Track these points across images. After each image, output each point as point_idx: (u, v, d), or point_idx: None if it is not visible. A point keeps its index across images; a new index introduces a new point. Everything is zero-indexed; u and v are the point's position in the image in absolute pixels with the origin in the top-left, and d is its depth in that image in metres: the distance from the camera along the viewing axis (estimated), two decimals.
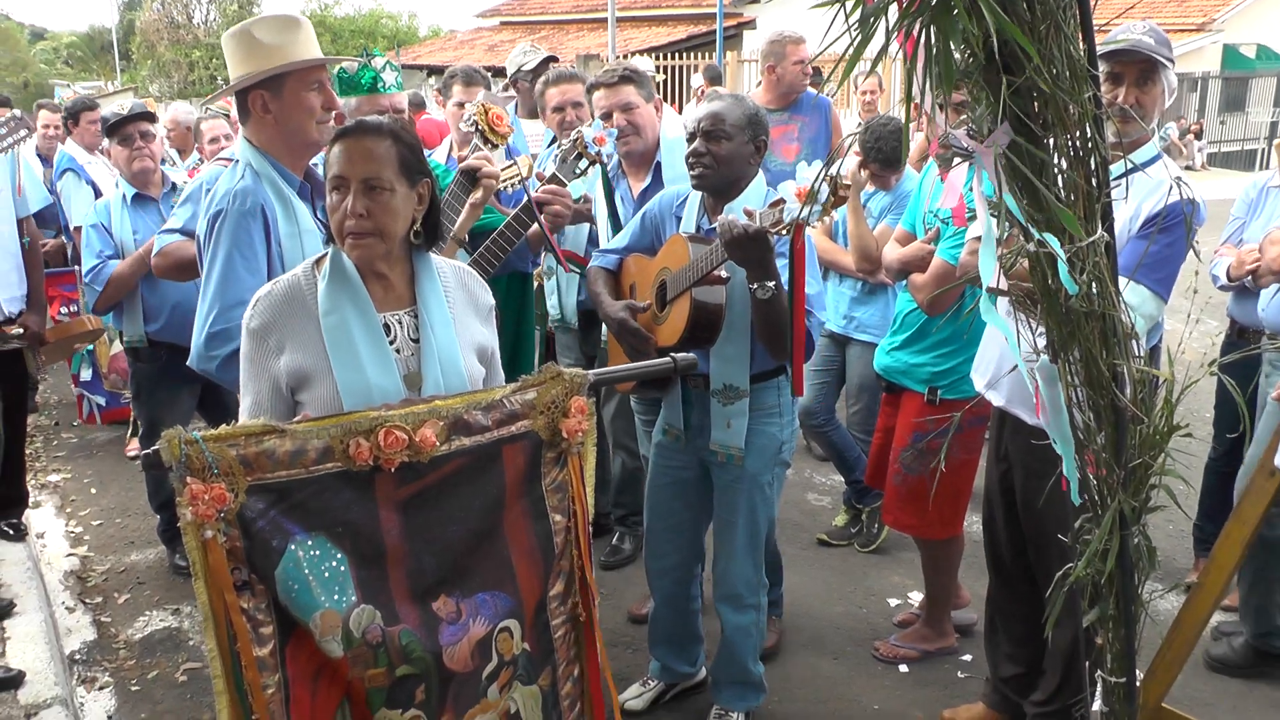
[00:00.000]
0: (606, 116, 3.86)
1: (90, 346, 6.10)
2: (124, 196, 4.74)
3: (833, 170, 2.58)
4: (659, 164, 3.90)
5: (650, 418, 4.02)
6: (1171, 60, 2.93)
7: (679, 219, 3.33)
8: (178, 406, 4.46)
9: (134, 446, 6.25)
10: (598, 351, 4.44)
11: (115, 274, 4.53)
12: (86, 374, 6.43)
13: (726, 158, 3.11)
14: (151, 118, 4.99)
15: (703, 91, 7.73)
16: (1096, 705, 2.37)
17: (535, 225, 3.52)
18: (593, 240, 4.17)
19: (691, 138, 3.15)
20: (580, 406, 2.27)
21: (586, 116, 4.42)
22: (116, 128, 4.79)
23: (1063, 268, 1.83)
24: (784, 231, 2.75)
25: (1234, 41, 24.43)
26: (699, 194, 3.26)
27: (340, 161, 2.21)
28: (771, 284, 2.87)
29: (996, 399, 3.15)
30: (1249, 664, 3.80)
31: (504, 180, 3.58)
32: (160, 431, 2.00)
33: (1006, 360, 2.81)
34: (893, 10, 1.70)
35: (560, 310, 4.41)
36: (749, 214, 2.81)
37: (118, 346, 6.17)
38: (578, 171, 3.59)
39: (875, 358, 4.01)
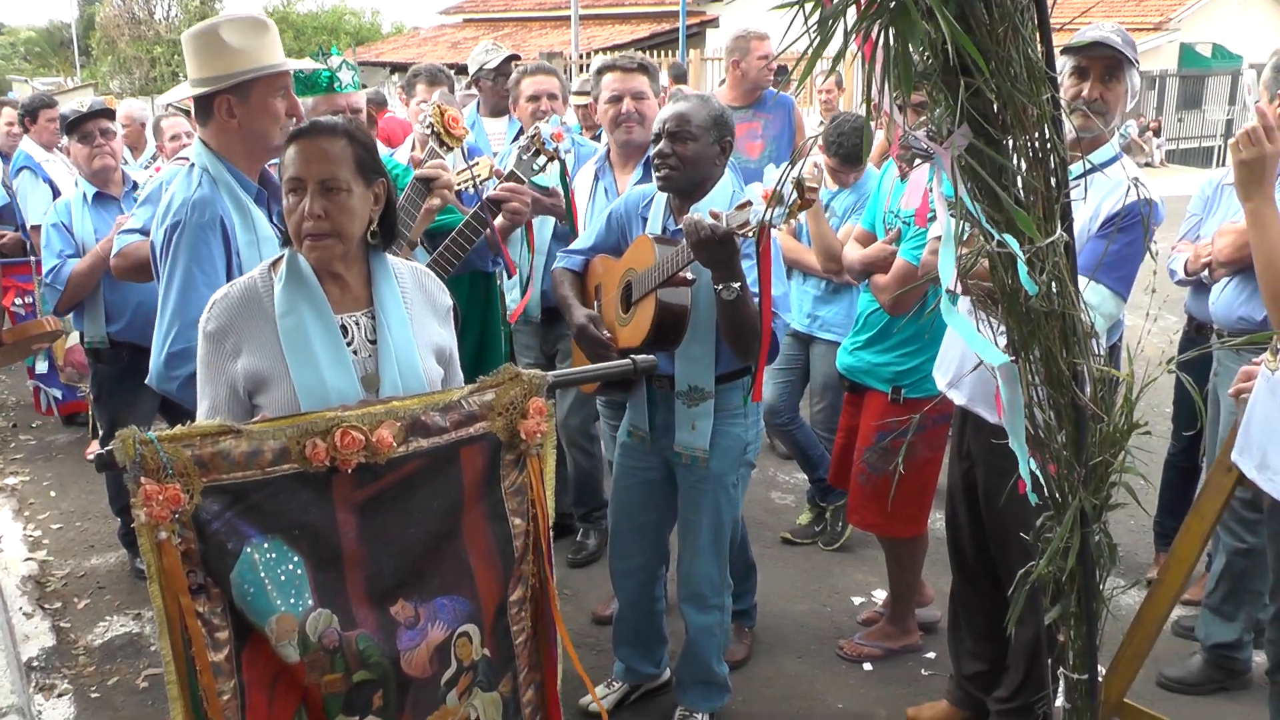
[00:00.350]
0: (615, 100, 3.83)
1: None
2: (84, 195, 4.67)
3: (796, 172, 2.58)
4: (649, 160, 3.88)
5: (615, 419, 4.01)
6: (1137, 61, 2.95)
7: (645, 220, 3.31)
8: (139, 408, 4.39)
9: (95, 449, 6.17)
10: (558, 349, 4.43)
11: (74, 272, 4.46)
12: (43, 367, 6.32)
13: (692, 159, 3.10)
14: (111, 115, 4.92)
15: (668, 90, 7.74)
16: (1059, 701, 2.39)
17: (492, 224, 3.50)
18: (558, 236, 4.14)
19: (657, 138, 3.14)
20: (539, 408, 2.26)
21: (561, 109, 4.40)
22: (76, 125, 4.71)
23: (1022, 269, 1.85)
24: (750, 233, 2.75)
25: (1190, 40, 24.74)
26: (665, 195, 3.25)
27: (296, 163, 2.19)
28: (737, 285, 2.86)
29: (959, 398, 3.17)
30: (1206, 681, 3.75)
31: (463, 182, 3.56)
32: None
33: (968, 359, 2.82)
34: (851, 12, 1.70)
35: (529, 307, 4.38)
36: (715, 215, 2.80)
37: (74, 339, 6.08)
38: (536, 168, 3.57)
39: (838, 357, 4.01)
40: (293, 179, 2.19)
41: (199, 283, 2.62)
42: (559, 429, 4.67)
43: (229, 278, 2.63)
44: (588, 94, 5.47)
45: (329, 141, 2.20)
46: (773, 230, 2.82)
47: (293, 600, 2.00)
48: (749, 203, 2.74)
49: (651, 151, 3.17)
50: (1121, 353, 2.97)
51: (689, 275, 3.01)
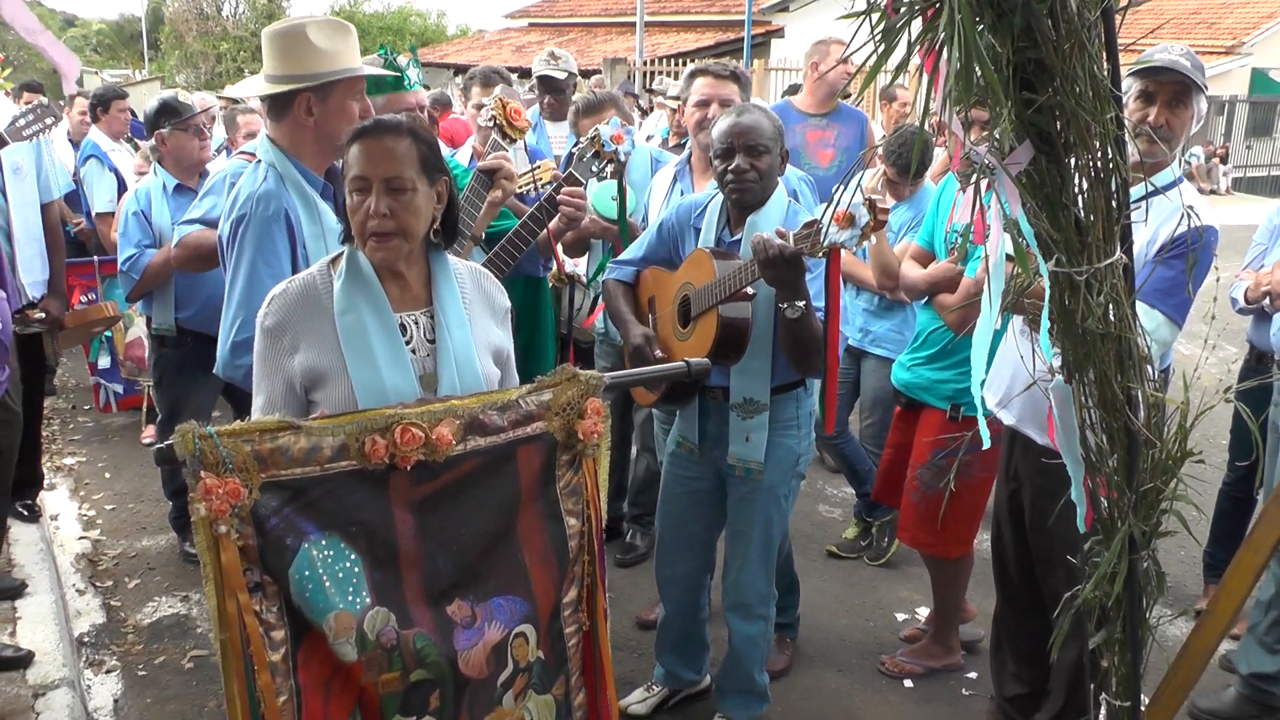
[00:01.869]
0: (703, 104, 3.83)
1: (109, 333, 6.13)
2: (164, 186, 4.73)
3: (854, 190, 2.56)
4: None
5: (668, 421, 4.01)
6: (1205, 86, 2.91)
7: (698, 230, 3.27)
8: (199, 395, 4.46)
9: (149, 433, 6.28)
10: None
11: (151, 263, 4.53)
12: (104, 361, 6.43)
13: (768, 172, 3.08)
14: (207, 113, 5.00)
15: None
16: None
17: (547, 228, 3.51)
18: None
19: (729, 153, 3.06)
20: (596, 408, 2.26)
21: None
22: (153, 127, 4.82)
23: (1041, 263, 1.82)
24: (821, 254, 2.73)
25: (1263, 66, 24.29)
26: (718, 204, 3.22)
27: (361, 162, 2.20)
28: (801, 304, 2.85)
29: (1008, 418, 3.14)
30: (1240, 715, 3.68)
31: (524, 185, 3.57)
32: (180, 419, 2.00)
33: (1019, 380, 2.80)
34: (917, 23, 1.70)
35: (606, 326, 4.38)
36: (781, 234, 2.77)
37: (134, 333, 6.21)
38: (595, 170, 3.57)
39: (894, 373, 3.98)
40: (359, 178, 2.20)
41: (264, 275, 2.66)
42: (636, 431, 4.69)
43: (294, 270, 2.67)
44: (675, 98, 5.50)
45: (394, 140, 2.21)
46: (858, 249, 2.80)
47: (350, 598, 2.00)
48: (815, 221, 2.71)
49: (718, 165, 3.11)
50: (1172, 379, 2.93)
51: (749, 290, 3.00)
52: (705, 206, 3.28)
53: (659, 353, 3.23)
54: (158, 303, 4.60)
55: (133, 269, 4.57)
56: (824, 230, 2.66)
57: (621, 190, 3.92)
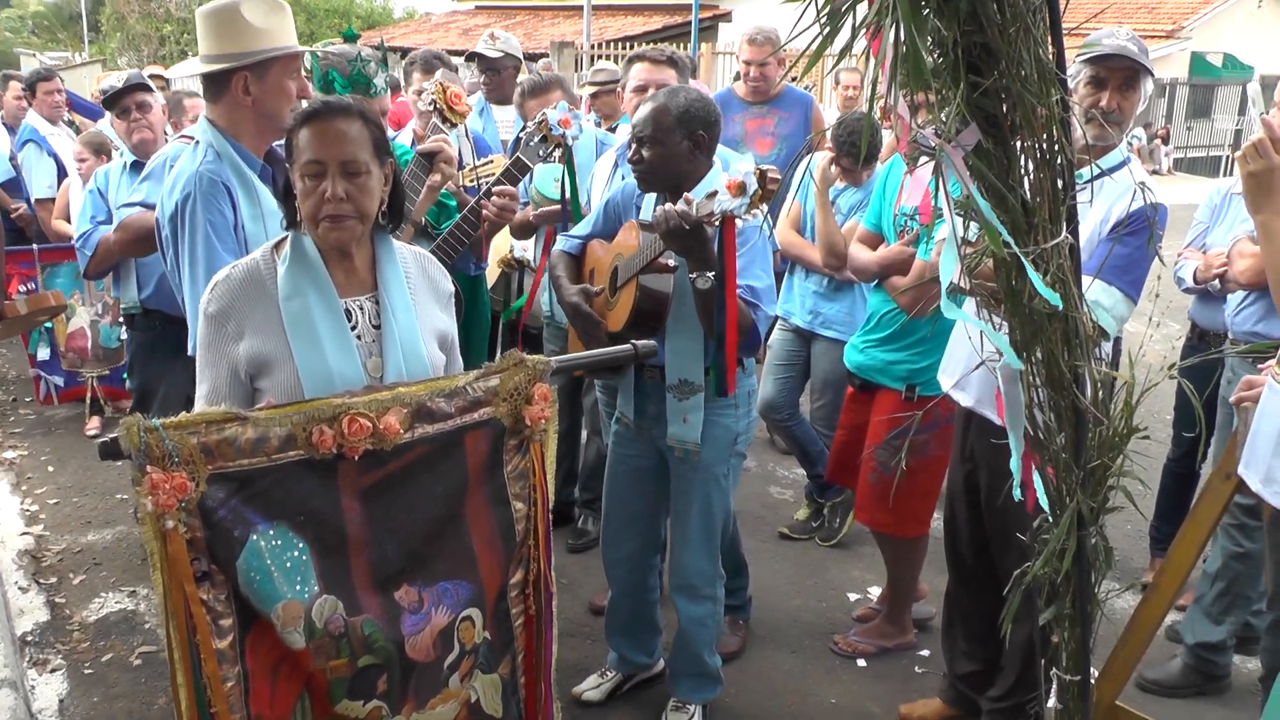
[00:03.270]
0: (641, 90, 3.81)
1: (49, 324, 6.00)
2: (124, 164, 4.70)
3: (798, 174, 2.58)
4: None
5: (612, 404, 4.01)
6: (1152, 69, 2.96)
7: (638, 208, 3.32)
8: (170, 378, 4.36)
9: (94, 425, 6.18)
10: None
11: (104, 239, 4.45)
12: (44, 353, 6.27)
13: (659, 162, 3.09)
14: (148, 88, 4.92)
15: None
16: (1051, 702, 2.39)
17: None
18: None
19: (634, 141, 3.13)
20: (543, 393, 2.26)
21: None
22: (114, 100, 4.75)
23: (1038, 281, 1.84)
24: (715, 222, 2.75)
25: (1202, 50, 24.68)
26: None
27: (315, 145, 2.17)
28: (711, 274, 2.85)
29: (965, 399, 3.17)
30: (1185, 685, 3.78)
31: (471, 180, 3.55)
32: (150, 406, 1.96)
33: (976, 361, 2.83)
34: (862, 7, 1.70)
35: (551, 308, 4.38)
36: (687, 202, 2.79)
37: (76, 324, 6.09)
38: (542, 154, 3.57)
39: (847, 355, 4.00)
40: (314, 161, 2.17)
41: (218, 246, 2.65)
42: (585, 415, 4.68)
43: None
44: (601, 84, 5.49)
45: (346, 123, 2.19)
46: (765, 221, 2.80)
47: (298, 587, 2.00)
48: (716, 192, 2.73)
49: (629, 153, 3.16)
50: (1122, 356, 2.98)
51: (671, 262, 3.01)
52: None
53: (597, 289, 3.26)
54: (122, 281, 4.54)
55: (85, 245, 4.52)
56: (717, 199, 2.69)
57: (572, 174, 3.91)
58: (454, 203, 3.69)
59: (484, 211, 3.52)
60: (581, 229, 3.52)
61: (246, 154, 2.82)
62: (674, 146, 3.08)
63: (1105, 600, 2.28)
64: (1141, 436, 2.13)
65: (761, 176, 2.63)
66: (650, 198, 3.27)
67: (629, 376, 3.30)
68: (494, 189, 3.54)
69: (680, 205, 2.78)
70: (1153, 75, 2.97)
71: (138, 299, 4.46)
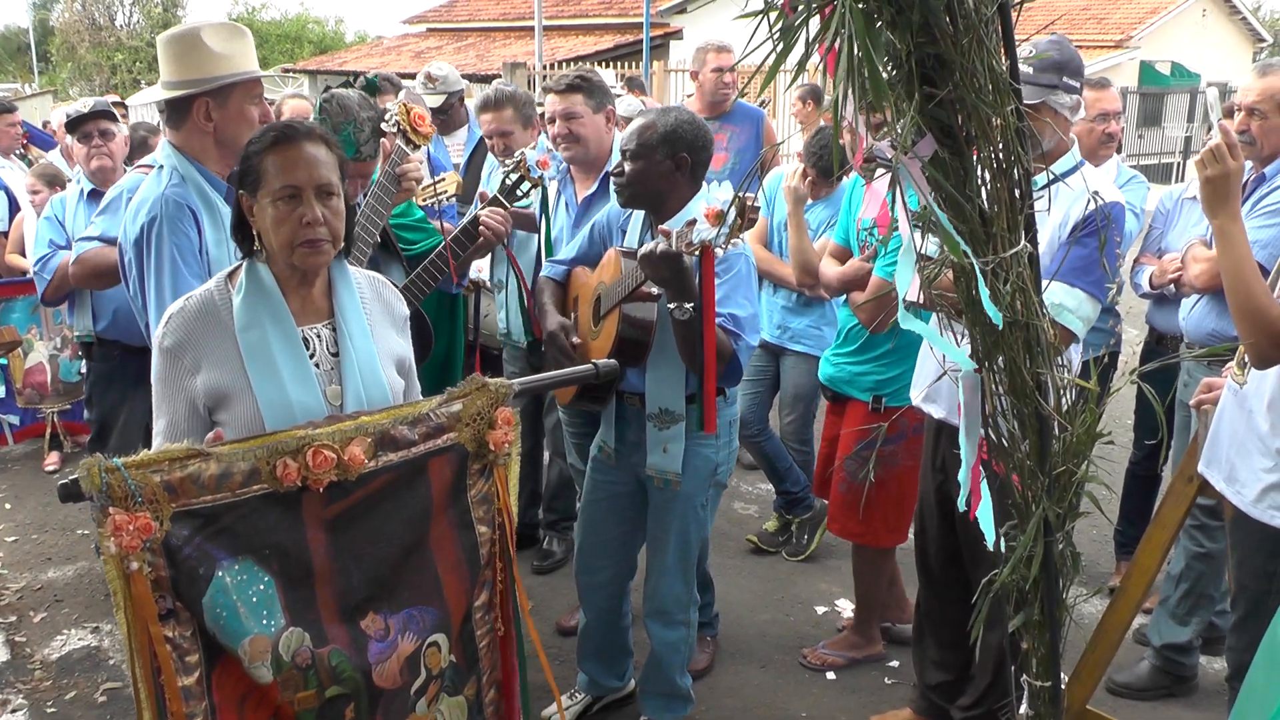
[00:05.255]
0: (551, 121, 3.84)
1: (3, 361, 5.89)
2: (82, 191, 4.65)
3: (753, 191, 2.58)
4: (608, 174, 3.87)
5: (576, 430, 4.00)
6: (1056, 85, 2.94)
7: (624, 233, 3.31)
8: (129, 407, 4.31)
9: (52, 460, 6.07)
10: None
11: (61, 264, 4.39)
12: None
13: (638, 177, 3.10)
14: (112, 116, 4.87)
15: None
16: (1023, 709, 2.40)
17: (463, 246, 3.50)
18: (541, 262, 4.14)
19: (621, 153, 3.16)
20: (507, 418, 2.25)
21: (516, 145, 4.37)
22: (76, 125, 4.70)
23: (985, 297, 1.85)
24: (694, 252, 2.73)
25: (1150, 58, 25.09)
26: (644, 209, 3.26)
27: (288, 170, 2.13)
28: (690, 305, 2.83)
29: (936, 411, 3.19)
30: (1153, 687, 3.81)
31: (428, 198, 3.53)
32: (109, 438, 1.92)
33: (941, 373, 2.84)
34: (815, 21, 1.71)
35: (508, 327, 4.37)
36: (664, 233, 2.78)
37: (34, 359, 6.00)
38: (520, 193, 3.58)
39: (820, 368, 4.04)
40: (289, 187, 2.13)
41: (184, 271, 2.64)
42: (548, 438, 4.66)
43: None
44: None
45: (314, 146, 2.17)
46: (747, 245, 2.80)
47: (265, 621, 1.96)
48: (695, 221, 2.71)
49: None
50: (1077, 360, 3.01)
51: (654, 291, 2.99)
52: (633, 211, 3.32)
53: (576, 340, 3.24)
54: (78, 308, 4.48)
55: (44, 269, 4.49)
56: (695, 228, 2.68)
57: (545, 210, 3.94)
58: (431, 226, 3.68)
59: (481, 228, 3.50)
60: (566, 254, 3.52)
61: (211, 176, 2.82)
62: (655, 164, 3.09)
63: (1074, 606, 2.29)
64: (1106, 442, 2.14)
65: (742, 205, 2.62)
66: (635, 223, 3.27)
67: (610, 404, 3.29)
68: (487, 212, 3.53)
69: (658, 237, 2.77)
70: (1056, 90, 2.96)
71: (92, 328, 4.40)
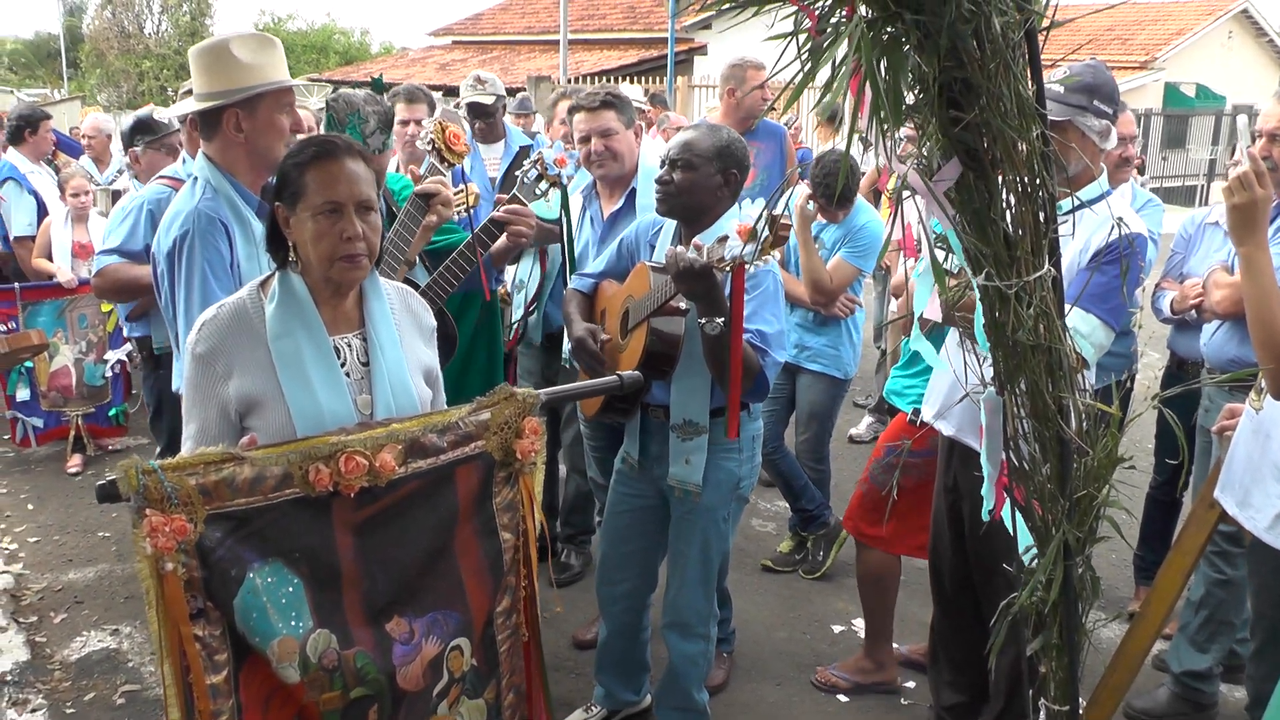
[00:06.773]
0: (585, 140, 3.85)
1: (29, 363, 5.95)
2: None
3: (784, 206, 2.60)
4: (634, 190, 3.89)
5: (597, 443, 4.01)
6: (1085, 106, 2.95)
7: (653, 247, 3.33)
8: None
9: (75, 463, 6.12)
10: (559, 375, 4.42)
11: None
12: (23, 393, 6.11)
13: (689, 187, 3.11)
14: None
15: (652, 113, 7.79)
16: None
17: (491, 246, 3.50)
18: (564, 268, 4.15)
19: (662, 164, 3.17)
20: (533, 427, 2.28)
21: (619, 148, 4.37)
22: (162, 137, 4.77)
23: (980, 321, 1.86)
24: (727, 268, 2.75)
25: (1175, 80, 24.99)
26: (674, 223, 3.26)
27: (331, 185, 2.17)
28: (720, 320, 2.85)
29: (946, 428, 3.19)
30: (1173, 714, 3.77)
31: (455, 207, 3.55)
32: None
33: (956, 390, 2.85)
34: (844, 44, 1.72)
35: (524, 327, 4.39)
36: (697, 248, 2.79)
37: (59, 362, 6.06)
38: (539, 192, 3.58)
39: (887, 384, 4.08)
40: (332, 202, 2.17)
41: (214, 285, 2.66)
42: (564, 452, 4.67)
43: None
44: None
45: (353, 161, 2.21)
46: (775, 266, 2.80)
47: (293, 623, 2.00)
48: (727, 237, 2.74)
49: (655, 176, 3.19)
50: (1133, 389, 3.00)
51: (682, 305, 3.01)
52: (662, 225, 3.34)
53: (605, 336, 3.26)
54: (154, 320, 4.29)
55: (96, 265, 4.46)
56: (728, 245, 2.70)
57: (566, 211, 3.94)
58: (453, 224, 3.68)
59: (498, 241, 3.50)
60: (594, 267, 3.53)
61: (244, 191, 2.84)
62: (707, 177, 3.12)
63: (1092, 630, 2.28)
64: (1127, 466, 2.14)
65: (773, 223, 2.64)
66: (665, 237, 3.28)
67: (635, 416, 3.30)
68: (505, 211, 3.50)
69: (690, 251, 2.79)
70: (1084, 112, 2.96)
71: (170, 340, 4.32)
